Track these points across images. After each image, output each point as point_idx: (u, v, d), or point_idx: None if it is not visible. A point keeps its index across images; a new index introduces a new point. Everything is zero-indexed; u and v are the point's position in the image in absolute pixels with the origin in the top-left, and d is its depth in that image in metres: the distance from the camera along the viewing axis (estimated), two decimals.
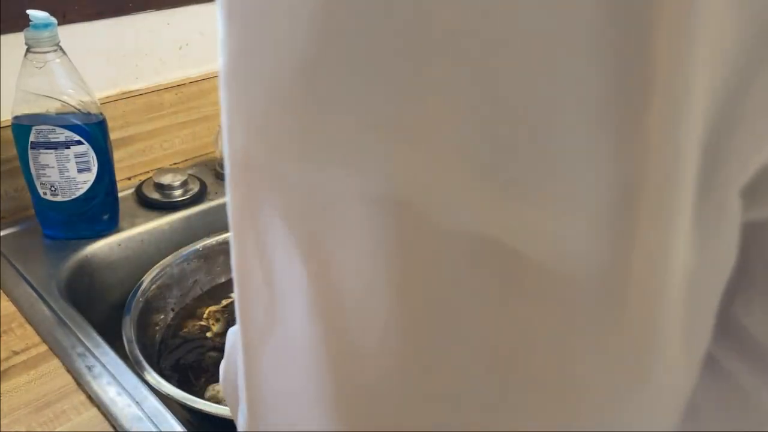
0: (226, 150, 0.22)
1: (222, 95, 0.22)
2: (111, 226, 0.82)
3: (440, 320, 0.19)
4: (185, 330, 0.79)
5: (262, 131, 0.20)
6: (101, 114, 0.76)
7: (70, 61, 0.72)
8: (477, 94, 0.17)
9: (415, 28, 0.16)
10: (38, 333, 0.65)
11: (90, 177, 0.76)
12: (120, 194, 0.83)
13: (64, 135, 0.73)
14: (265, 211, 0.21)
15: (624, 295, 0.18)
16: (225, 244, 0.86)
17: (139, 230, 0.83)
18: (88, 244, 0.79)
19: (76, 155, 0.74)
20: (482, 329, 0.19)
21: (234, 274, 0.25)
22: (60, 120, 0.73)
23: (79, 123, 0.73)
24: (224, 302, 0.83)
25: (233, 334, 0.42)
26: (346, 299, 0.20)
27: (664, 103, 0.16)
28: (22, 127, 0.73)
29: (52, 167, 0.74)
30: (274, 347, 0.23)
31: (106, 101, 0.86)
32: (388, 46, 0.17)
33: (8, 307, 0.69)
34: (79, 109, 0.73)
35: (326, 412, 0.22)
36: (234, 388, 0.42)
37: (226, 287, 0.85)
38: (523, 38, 0.16)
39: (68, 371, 0.61)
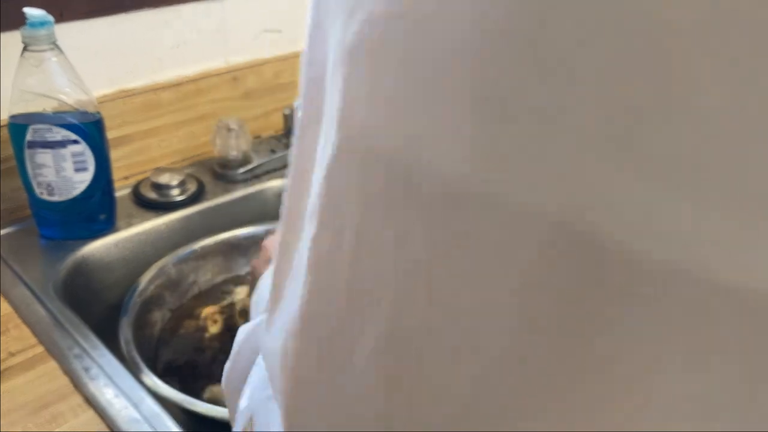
0: (341, 130, 0.20)
1: (351, 73, 0.20)
2: (108, 226, 0.81)
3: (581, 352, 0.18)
4: (183, 331, 0.78)
5: (405, 119, 0.18)
6: (98, 113, 0.75)
7: (67, 59, 0.72)
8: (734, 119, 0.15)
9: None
10: (35, 334, 0.65)
11: (87, 176, 0.76)
12: (117, 194, 0.83)
13: (60, 134, 0.72)
14: (402, 211, 0.19)
15: None
16: (223, 244, 0.85)
17: (137, 230, 0.83)
18: (84, 244, 0.79)
19: (73, 154, 0.74)
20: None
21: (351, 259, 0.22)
22: (57, 119, 0.72)
23: (75, 122, 0.73)
24: (222, 303, 0.82)
25: (245, 333, 0.41)
26: (447, 332, 0.19)
27: None
28: (18, 126, 0.72)
29: (49, 167, 0.74)
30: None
31: (103, 100, 0.85)
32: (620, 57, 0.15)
33: (5, 307, 0.68)
34: (76, 108, 0.73)
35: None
36: (237, 389, 0.41)
37: (224, 288, 0.85)
38: None
39: (65, 373, 0.60)
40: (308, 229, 0.23)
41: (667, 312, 0.17)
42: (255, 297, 0.49)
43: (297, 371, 0.24)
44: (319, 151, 0.22)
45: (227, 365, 0.42)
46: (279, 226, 0.27)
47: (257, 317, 0.45)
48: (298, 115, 0.24)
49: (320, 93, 0.22)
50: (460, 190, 0.18)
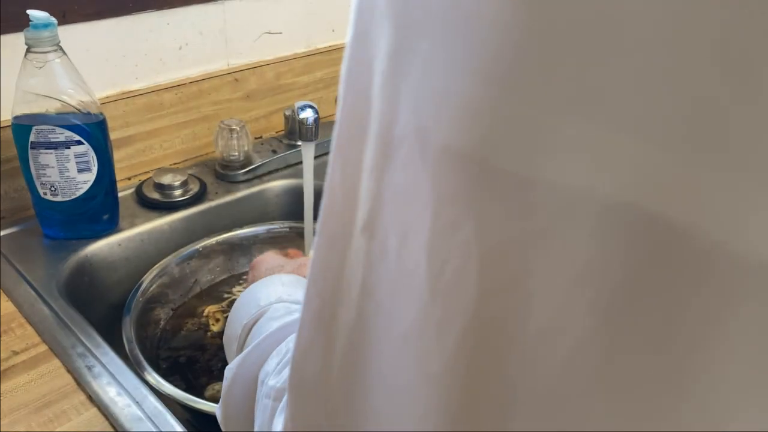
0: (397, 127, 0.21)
1: (394, 70, 0.20)
2: (111, 226, 0.82)
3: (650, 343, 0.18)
4: (185, 330, 0.79)
5: (474, 118, 0.19)
6: (101, 114, 0.76)
7: (70, 61, 0.72)
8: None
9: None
10: (38, 333, 0.65)
11: (90, 177, 0.76)
12: (120, 194, 0.83)
13: (64, 135, 0.73)
14: (463, 203, 0.20)
15: None
16: (225, 243, 0.86)
17: (139, 230, 0.83)
18: (88, 244, 0.79)
19: (76, 155, 0.74)
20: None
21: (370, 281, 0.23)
22: (60, 120, 0.73)
23: (79, 123, 0.73)
24: (223, 302, 0.83)
25: (231, 371, 0.42)
26: (533, 315, 0.19)
27: None
28: (22, 127, 0.73)
29: (52, 167, 0.74)
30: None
31: (106, 101, 0.86)
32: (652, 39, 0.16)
33: (8, 307, 0.69)
34: (79, 109, 0.73)
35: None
36: (240, 423, 0.42)
37: (226, 287, 0.85)
38: None
39: (68, 371, 0.61)
40: (361, 239, 0.23)
41: (740, 299, 0.17)
42: (226, 337, 0.51)
43: (371, 377, 0.24)
44: (366, 162, 0.23)
45: (221, 407, 0.43)
46: (314, 249, 0.27)
47: (235, 353, 0.47)
48: (334, 132, 0.24)
49: (366, 105, 0.22)
50: (533, 180, 0.18)
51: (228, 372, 0.42)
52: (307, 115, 0.73)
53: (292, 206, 0.94)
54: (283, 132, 1.04)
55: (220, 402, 0.43)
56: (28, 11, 0.69)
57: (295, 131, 1.00)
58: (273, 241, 0.88)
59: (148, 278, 0.77)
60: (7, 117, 0.75)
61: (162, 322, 0.79)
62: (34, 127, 0.72)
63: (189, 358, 0.75)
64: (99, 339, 0.65)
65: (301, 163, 0.76)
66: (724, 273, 0.17)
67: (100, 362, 0.62)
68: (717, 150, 0.16)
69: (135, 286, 0.76)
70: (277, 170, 0.97)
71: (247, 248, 0.87)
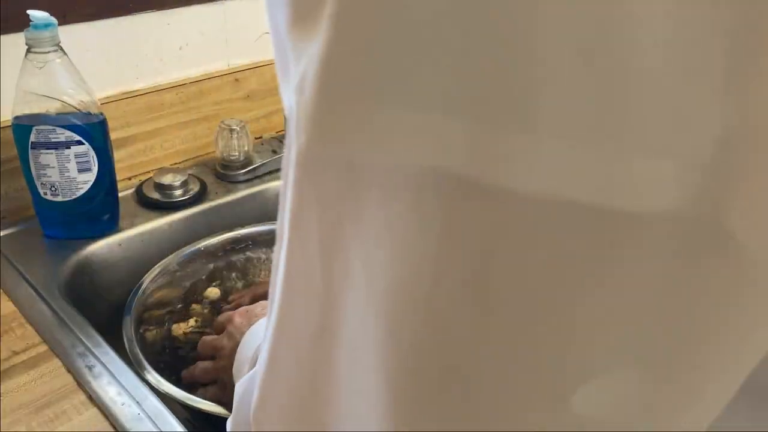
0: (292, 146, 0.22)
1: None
2: (111, 226, 0.82)
3: (515, 293, 0.19)
4: (186, 330, 0.79)
5: (317, 121, 0.20)
6: (101, 114, 0.76)
7: (70, 61, 0.72)
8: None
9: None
10: (38, 333, 0.65)
11: (90, 177, 0.76)
12: (120, 194, 0.83)
13: (64, 135, 0.73)
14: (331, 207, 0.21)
15: (729, 241, 0.17)
16: (225, 243, 0.86)
17: (140, 230, 0.83)
18: (88, 244, 0.79)
19: (77, 155, 0.74)
20: (573, 297, 0.18)
21: (282, 276, 0.24)
22: (60, 120, 0.73)
23: (79, 123, 0.73)
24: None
25: (243, 387, 0.40)
26: (397, 288, 0.20)
27: None
28: (22, 127, 0.73)
29: (53, 167, 0.74)
30: (334, 352, 0.23)
31: (107, 101, 0.86)
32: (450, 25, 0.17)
33: (8, 306, 0.69)
34: (79, 109, 0.73)
35: (389, 409, 0.21)
36: None
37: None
38: None
39: (68, 371, 0.61)
40: (278, 244, 0.25)
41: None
42: (239, 355, 0.50)
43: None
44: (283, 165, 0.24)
45: (230, 421, 0.42)
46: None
47: (246, 371, 0.46)
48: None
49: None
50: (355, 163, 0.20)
51: (238, 387, 0.41)
52: None
53: None
54: (283, 132, 1.04)
55: (231, 416, 0.42)
56: (29, 11, 0.69)
57: None
58: (273, 242, 0.88)
59: (148, 278, 0.77)
60: (7, 117, 0.75)
61: (162, 322, 0.79)
62: (35, 128, 0.72)
63: (189, 357, 0.75)
64: (99, 339, 0.65)
65: None
66: (536, 223, 0.18)
67: (101, 362, 0.62)
68: (509, 113, 0.17)
69: (135, 286, 0.76)
70: (277, 170, 0.97)
71: (247, 248, 0.87)
